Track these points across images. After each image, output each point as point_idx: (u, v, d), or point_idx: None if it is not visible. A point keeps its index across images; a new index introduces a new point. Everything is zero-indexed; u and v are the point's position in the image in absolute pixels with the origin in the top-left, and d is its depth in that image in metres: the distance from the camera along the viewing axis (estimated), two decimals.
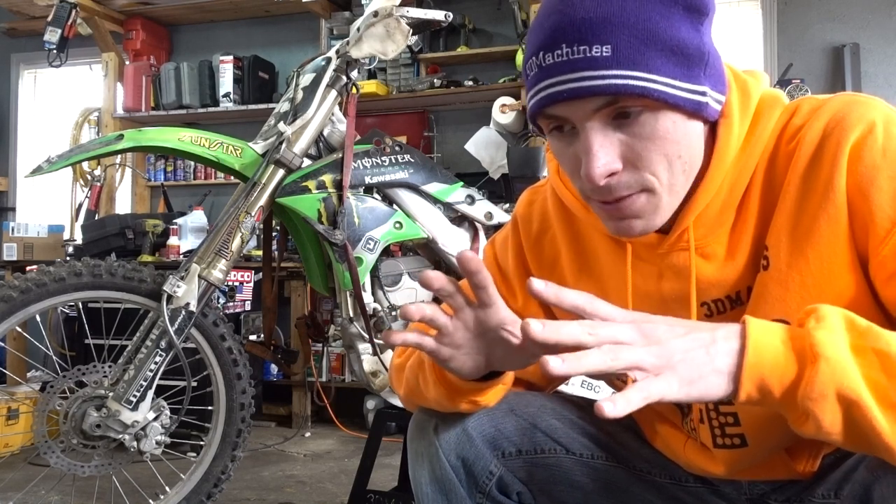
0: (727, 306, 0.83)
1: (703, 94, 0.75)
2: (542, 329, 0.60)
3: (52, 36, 3.94)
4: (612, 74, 0.70)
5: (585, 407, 1.01)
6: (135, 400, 1.74)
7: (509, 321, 0.78)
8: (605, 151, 0.73)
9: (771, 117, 0.80)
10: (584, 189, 0.78)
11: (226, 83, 4.21)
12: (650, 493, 0.97)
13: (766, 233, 0.79)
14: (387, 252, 1.92)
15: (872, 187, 0.72)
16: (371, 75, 3.97)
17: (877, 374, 0.60)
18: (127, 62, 4.49)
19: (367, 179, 1.87)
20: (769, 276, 0.78)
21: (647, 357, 0.60)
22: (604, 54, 0.70)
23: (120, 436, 1.75)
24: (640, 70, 0.70)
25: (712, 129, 0.79)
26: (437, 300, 0.79)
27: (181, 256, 3.52)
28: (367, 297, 1.86)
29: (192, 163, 4.51)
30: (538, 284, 0.64)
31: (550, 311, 0.99)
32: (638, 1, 0.71)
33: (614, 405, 0.56)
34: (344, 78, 1.89)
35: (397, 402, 1.94)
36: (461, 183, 2.00)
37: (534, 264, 0.99)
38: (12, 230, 3.94)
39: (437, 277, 0.75)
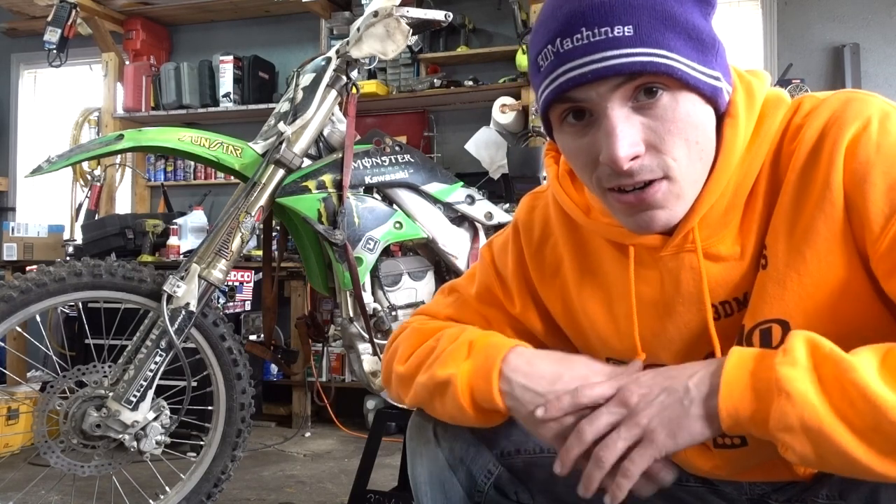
0: (735, 308, 0.82)
1: (718, 79, 0.76)
2: (560, 468, 0.76)
3: (52, 36, 3.94)
4: (637, 52, 0.70)
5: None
6: (135, 400, 1.74)
7: None
8: (629, 132, 0.72)
9: (776, 117, 0.79)
10: (601, 179, 0.77)
11: (226, 83, 4.21)
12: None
13: (764, 229, 0.79)
14: (387, 252, 1.92)
15: (866, 183, 0.72)
16: (371, 75, 3.97)
17: (839, 401, 0.63)
18: (127, 62, 4.49)
19: (367, 179, 1.87)
20: (767, 276, 0.78)
21: (628, 437, 0.71)
22: (626, 34, 0.71)
23: (120, 436, 1.75)
24: (662, 49, 0.71)
25: (718, 127, 0.78)
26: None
27: (181, 256, 3.52)
28: (367, 297, 1.86)
29: (192, 163, 4.51)
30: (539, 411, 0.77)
31: (549, 317, 0.99)
32: None
33: (619, 491, 0.72)
34: (344, 78, 1.89)
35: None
36: (461, 183, 2.00)
37: (535, 272, 0.98)
38: (12, 230, 3.94)
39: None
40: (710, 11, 0.76)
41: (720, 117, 0.78)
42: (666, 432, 0.70)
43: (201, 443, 1.99)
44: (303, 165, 1.84)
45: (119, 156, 3.75)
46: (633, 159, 0.73)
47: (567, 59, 0.73)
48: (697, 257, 0.80)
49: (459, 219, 1.98)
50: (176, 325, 1.75)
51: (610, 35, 0.71)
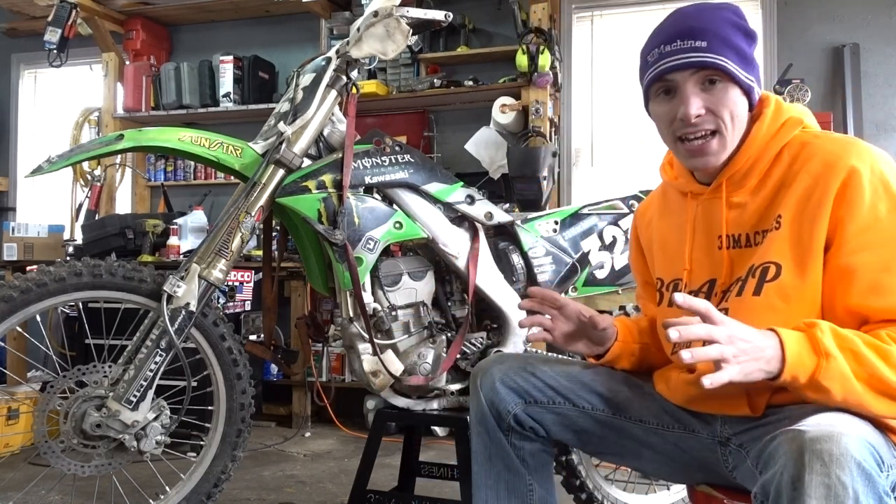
0: (742, 241, 1.25)
1: (754, 81, 1.24)
2: (677, 334, 1.01)
3: (52, 36, 3.95)
4: (707, 55, 1.20)
5: (596, 369, 1.41)
6: (135, 400, 1.74)
7: (584, 311, 1.34)
8: (697, 100, 1.21)
9: (793, 129, 1.24)
10: (675, 132, 1.24)
11: (226, 83, 4.21)
12: (644, 435, 1.34)
13: (778, 204, 1.20)
14: (387, 252, 1.91)
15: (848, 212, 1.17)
16: (371, 75, 3.97)
17: (853, 364, 1.05)
18: (127, 62, 4.49)
19: (367, 179, 1.87)
20: (779, 234, 1.19)
21: (728, 354, 1.02)
22: (701, 45, 1.20)
23: (120, 436, 1.75)
24: (721, 56, 1.20)
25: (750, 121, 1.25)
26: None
27: (181, 256, 3.52)
28: (367, 297, 1.86)
29: (192, 163, 4.51)
30: (678, 298, 1.06)
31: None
32: (720, 23, 1.21)
33: (711, 381, 1.00)
34: (344, 78, 1.89)
35: (397, 401, 1.94)
36: (461, 183, 2.00)
37: (641, 233, 1.48)
38: (12, 230, 3.95)
39: (532, 301, 1.37)
40: (752, 43, 1.24)
41: (754, 111, 1.26)
42: (744, 369, 1.03)
43: (201, 443, 1.99)
44: (303, 165, 1.84)
45: (119, 156, 3.75)
46: (697, 116, 1.21)
47: (668, 56, 1.22)
48: (722, 202, 1.26)
49: (459, 219, 1.98)
50: (176, 325, 1.75)
51: (693, 45, 1.20)
